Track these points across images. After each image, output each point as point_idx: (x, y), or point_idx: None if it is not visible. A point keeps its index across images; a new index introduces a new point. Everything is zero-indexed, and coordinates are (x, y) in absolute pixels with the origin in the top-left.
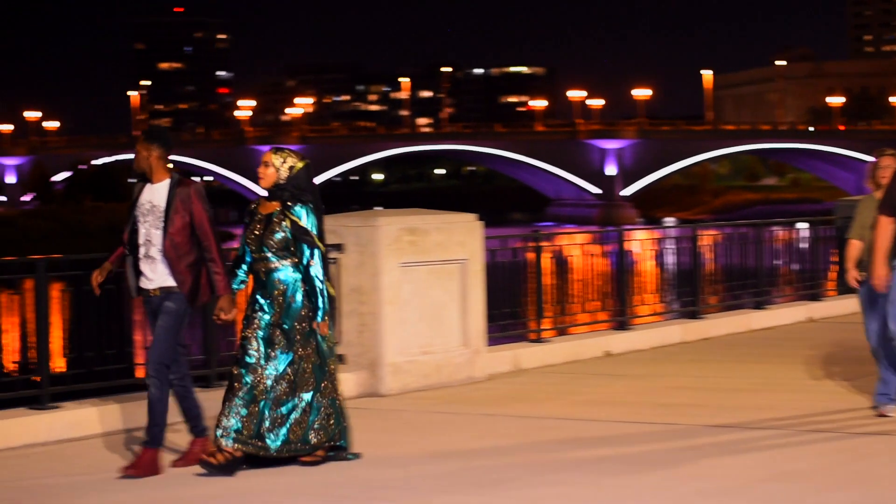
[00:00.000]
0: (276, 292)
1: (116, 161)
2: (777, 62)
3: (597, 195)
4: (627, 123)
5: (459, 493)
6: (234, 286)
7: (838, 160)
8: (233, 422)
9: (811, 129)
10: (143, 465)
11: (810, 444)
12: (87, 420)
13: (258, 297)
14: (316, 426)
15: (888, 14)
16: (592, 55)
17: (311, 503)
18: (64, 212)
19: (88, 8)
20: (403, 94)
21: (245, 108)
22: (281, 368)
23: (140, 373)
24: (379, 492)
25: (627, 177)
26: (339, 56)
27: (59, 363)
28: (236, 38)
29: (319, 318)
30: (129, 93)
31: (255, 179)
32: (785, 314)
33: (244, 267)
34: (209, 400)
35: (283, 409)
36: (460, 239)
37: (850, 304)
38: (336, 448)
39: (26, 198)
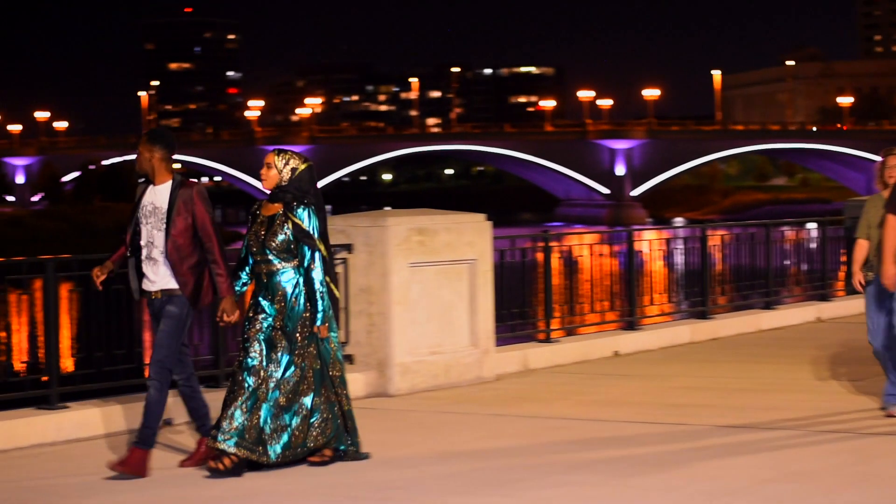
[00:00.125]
0: (278, 294)
1: (126, 161)
2: (787, 62)
3: (606, 195)
4: (637, 123)
5: (469, 494)
6: (237, 288)
7: (848, 160)
8: (235, 425)
9: (814, 128)
10: (131, 463)
11: (819, 445)
12: (96, 420)
13: (260, 298)
14: (315, 431)
15: None
16: (602, 55)
17: (319, 503)
18: (73, 212)
19: (98, 8)
20: (413, 95)
21: (254, 109)
22: (282, 371)
23: (149, 373)
24: (388, 492)
25: (637, 177)
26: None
27: (67, 363)
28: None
29: (319, 322)
30: (138, 93)
31: None
32: (794, 314)
33: (247, 269)
34: (218, 400)
35: (286, 418)
36: (469, 239)
37: (859, 305)
38: (338, 451)
39: (35, 198)
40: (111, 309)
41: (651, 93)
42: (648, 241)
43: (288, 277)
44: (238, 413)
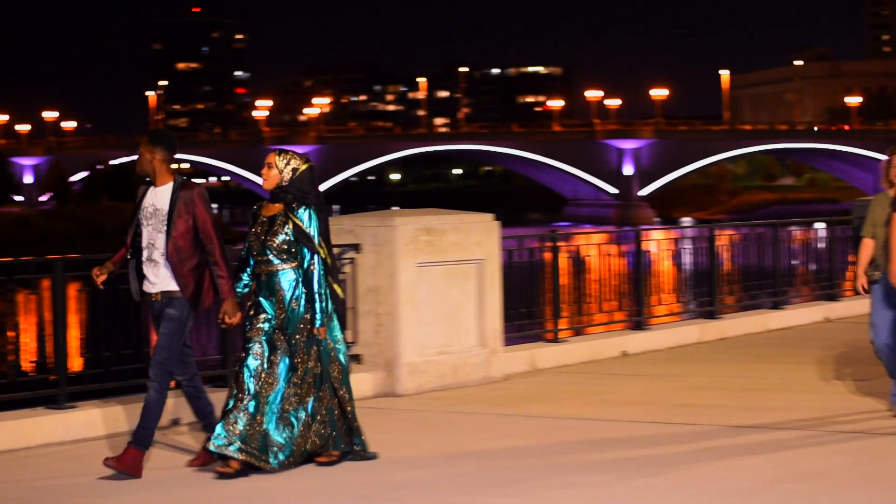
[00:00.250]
0: (279, 295)
1: (133, 161)
2: (795, 62)
3: (614, 195)
4: (645, 123)
5: (477, 494)
6: (238, 289)
7: (856, 160)
8: (238, 430)
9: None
10: (126, 461)
11: (827, 445)
12: (104, 420)
13: (260, 299)
14: (314, 435)
15: None
16: (610, 55)
17: (329, 503)
18: (81, 212)
19: (105, 9)
20: (420, 94)
21: (262, 109)
22: (284, 375)
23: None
24: (396, 492)
25: (644, 177)
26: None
27: (76, 363)
28: (253, 38)
29: (318, 324)
30: (146, 93)
31: None
32: (802, 314)
33: (248, 270)
34: (224, 400)
35: (288, 432)
36: (477, 239)
37: (867, 305)
38: (345, 451)
39: (44, 198)
40: (119, 309)
41: (659, 93)
42: (656, 241)
43: (288, 278)
44: (240, 417)
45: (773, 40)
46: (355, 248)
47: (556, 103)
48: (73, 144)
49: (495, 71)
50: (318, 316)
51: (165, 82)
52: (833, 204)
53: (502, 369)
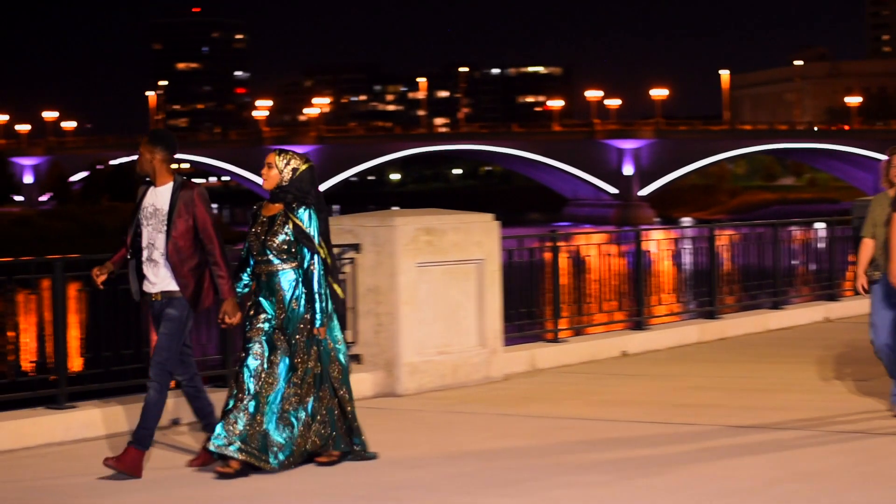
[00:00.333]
0: (279, 295)
1: (134, 161)
2: (795, 62)
3: (614, 195)
4: (645, 123)
5: (477, 494)
6: (239, 289)
7: (856, 160)
8: (238, 430)
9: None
10: (126, 461)
11: (827, 445)
12: (104, 420)
13: (260, 299)
14: (313, 435)
15: None
16: (609, 55)
17: (329, 503)
18: (81, 212)
19: (106, 8)
20: (420, 94)
21: (262, 109)
22: (284, 375)
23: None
24: (396, 492)
25: (644, 177)
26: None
27: (76, 363)
28: (253, 38)
29: (318, 324)
30: (146, 93)
31: None
32: (802, 314)
33: (248, 270)
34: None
35: (288, 432)
36: (477, 239)
37: (867, 305)
38: (345, 451)
39: (44, 198)
40: (119, 309)
41: (659, 93)
42: (656, 241)
43: (288, 278)
44: (240, 417)
45: (773, 40)
46: (355, 248)
47: (556, 103)
48: (73, 144)
49: (495, 71)
50: (318, 316)
51: (165, 82)
52: (833, 204)
53: (502, 369)
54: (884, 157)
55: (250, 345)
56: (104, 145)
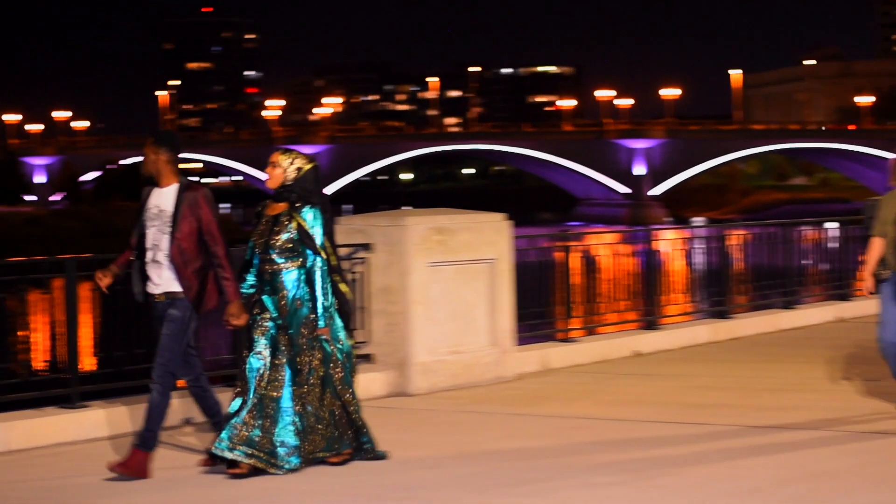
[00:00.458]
0: (281, 294)
1: None
2: (806, 62)
3: (625, 195)
4: (656, 123)
5: (489, 494)
6: (244, 290)
7: (867, 159)
8: (245, 434)
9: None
10: (132, 465)
11: (839, 445)
12: (116, 419)
13: (264, 297)
14: (321, 436)
15: None
16: (621, 55)
17: (341, 503)
18: (93, 211)
19: (117, 8)
20: (431, 94)
21: (273, 108)
22: (288, 377)
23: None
24: (408, 492)
25: (656, 176)
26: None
27: (88, 362)
28: (265, 37)
29: (321, 324)
30: (157, 93)
31: None
32: (814, 314)
33: (252, 270)
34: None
35: (294, 434)
36: (489, 238)
37: (878, 305)
38: (355, 451)
39: (55, 197)
40: (131, 308)
41: (670, 92)
42: (668, 241)
43: (292, 277)
44: (246, 421)
45: (785, 40)
46: (367, 247)
47: (568, 103)
48: (84, 144)
49: (506, 71)
50: (321, 316)
51: (177, 82)
52: (845, 203)
53: (514, 369)
54: (893, 156)
55: (254, 345)
56: (115, 145)
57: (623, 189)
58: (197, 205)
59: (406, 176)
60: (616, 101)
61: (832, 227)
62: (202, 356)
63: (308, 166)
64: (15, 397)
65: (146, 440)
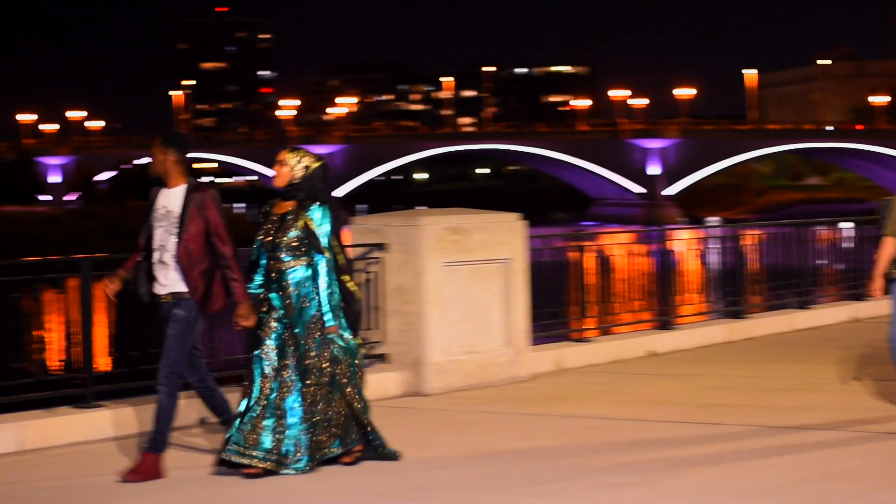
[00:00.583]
0: (288, 292)
1: None
2: (820, 61)
3: (640, 195)
4: (670, 123)
5: (504, 493)
6: (252, 290)
7: (882, 159)
8: (257, 439)
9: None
10: (143, 469)
11: (855, 445)
12: (131, 419)
13: (271, 296)
14: (331, 436)
15: None
16: (635, 55)
17: (355, 502)
18: (108, 211)
19: (132, 8)
20: (446, 94)
21: (288, 108)
22: (296, 377)
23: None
24: (423, 491)
25: (670, 176)
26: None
27: (103, 362)
28: (279, 37)
29: (329, 322)
30: (171, 93)
31: None
32: (829, 314)
33: (260, 270)
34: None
35: (305, 434)
36: (503, 238)
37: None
38: (366, 448)
39: (70, 197)
40: (145, 308)
41: (684, 92)
42: (683, 241)
43: (299, 275)
44: (256, 423)
45: (799, 40)
46: (382, 247)
47: (582, 103)
48: (99, 144)
49: (521, 70)
50: (327, 315)
51: (192, 82)
52: (860, 203)
53: (528, 369)
54: None
55: (262, 344)
56: (130, 145)
57: (638, 189)
58: (204, 206)
59: (420, 176)
60: (630, 101)
61: (847, 226)
62: (216, 356)
63: (316, 165)
64: (29, 397)
65: (156, 442)
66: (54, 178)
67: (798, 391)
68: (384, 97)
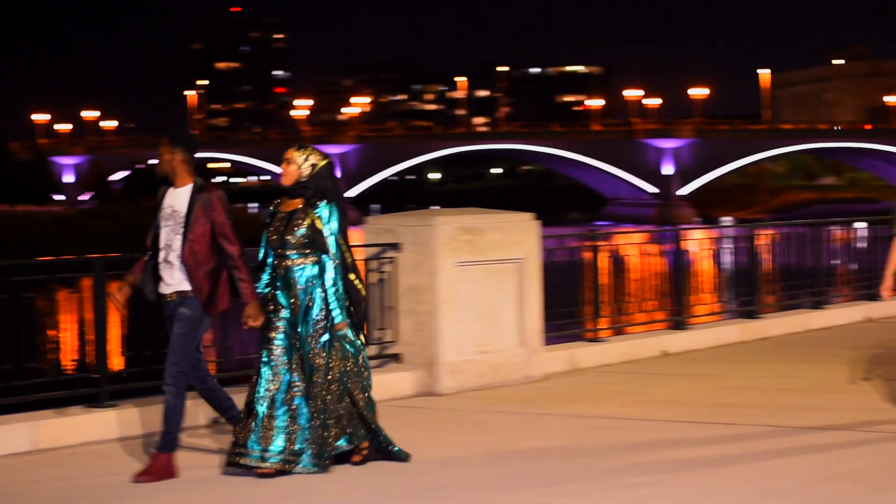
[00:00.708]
0: (294, 290)
1: None
2: (835, 61)
3: (654, 194)
4: (684, 123)
5: (517, 493)
6: (259, 289)
7: None
8: (274, 443)
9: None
10: (156, 470)
11: (867, 445)
12: (144, 419)
13: (278, 294)
14: (339, 435)
15: None
16: (649, 55)
17: (368, 502)
18: (122, 211)
19: (145, 8)
20: (460, 94)
21: (302, 108)
22: (302, 376)
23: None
24: (436, 491)
25: (684, 176)
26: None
27: (117, 362)
28: (293, 37)
29: (338, 320)
30: (186, 92)
31: None
32: (843, 314)
33: (267, 269)
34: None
35: (313, 433)
36: (517, 238)
37: None
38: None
39: (84, 197)
40: (159, 307)
41: (698, 92)
42: (696, 241)
43: (306, 273)
44: (268, 424)
45: (813, 39)
46: (395, 247)
47: (596, 102)
48: (113, 144)
49: (535, 70)
50: (335, 312)
51: (206, 82)
52: (874, 203)
53: (542, 369)
54: None
55: (270, 344)
56: (143, 145)
57: (651, 189)
58: (211, 206)
59: (434, 175)
60: (644, 101)
61: (861, 226)
62: (230, 356)
63: (322, 163)
64: (44, 396)
65: (167, 443)
66: (68, 177)
67: (811, 391)
68: (398, 97)
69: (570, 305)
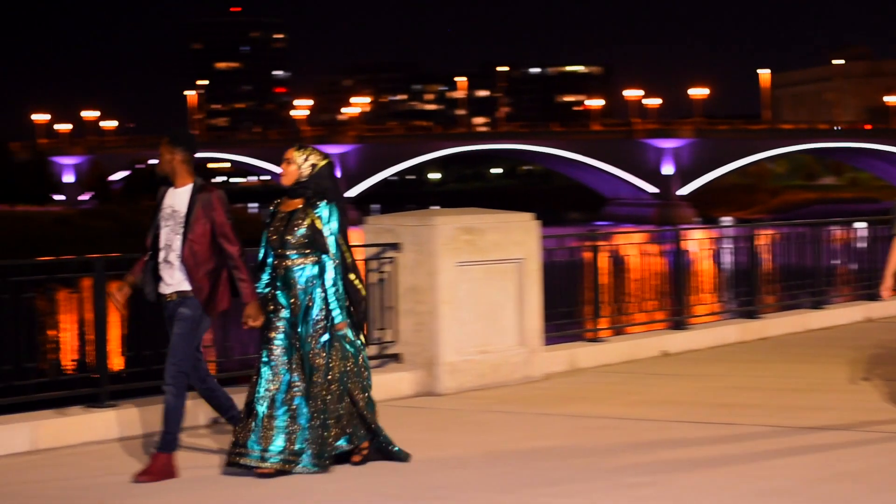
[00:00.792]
0: (294, 290)
1: None
2: (835, 61)
3: (654, 194)
4: (684, 123)
5: (517, 493)
6: (259, 289)
7: None
8: (274, 443)
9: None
10: (156, 470)
11: (867, 445)
12: (145, 419)
13: (278, 294)
14: (339, 435)
15: None
16: (649, 55)
17: (369, 502)
18: (122, 211)
19: (146, 8)
20: (460, 94)
21: (302, 108)
22: (302, 376)
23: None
24: (436, 491)
25: (684, 176)
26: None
27: (117, 362)
28: (293, 37)
29: (338, 319)
30: (186, 92)
31: None
32: (843, 314)
33: (267, 269)
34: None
35: (314, 433)
36: (517, 238)
37: None
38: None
39: (84, 197)
40: (159, 307)
41: (698, 92)
42: (696, 241)
43: (305, 273)
44: (268, 424)
45: (814, 39)
46: (395, 247)
47: (596, 102)
48: (113, 144)
49: (535, 70)
50: (335, 311)
51: (206, 82)
52: (874, 203)
53: (542, 369)
54: None
55: (269, 344)
56: (144, 145)
57: (651, 189)
58: (211, 206)
59: (434, 175)
60: (644, 101)
61: (861, 226)
62: (230, 356)
63: (322, 162)
64: (43, 396)
65: (167, 443)
66: (68, 177)
67: (811, 391)
68: (398, 97)
69: (570, 305)
